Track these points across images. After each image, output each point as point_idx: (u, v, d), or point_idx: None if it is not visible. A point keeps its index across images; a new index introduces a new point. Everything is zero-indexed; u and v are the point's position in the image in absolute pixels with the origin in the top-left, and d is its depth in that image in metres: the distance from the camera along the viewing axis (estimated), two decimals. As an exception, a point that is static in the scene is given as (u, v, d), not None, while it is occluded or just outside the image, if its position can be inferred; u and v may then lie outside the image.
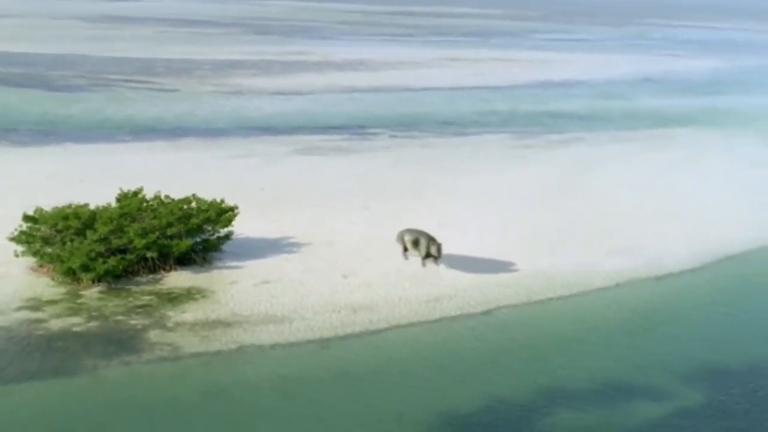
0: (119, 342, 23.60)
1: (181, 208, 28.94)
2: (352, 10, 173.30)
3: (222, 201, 30.21)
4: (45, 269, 27.80)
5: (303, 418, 20.49)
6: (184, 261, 28.71)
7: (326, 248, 31.36)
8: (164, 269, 28.16)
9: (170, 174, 39.41)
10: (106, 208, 29.08)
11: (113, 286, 27.09)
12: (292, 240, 31.98)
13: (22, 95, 62.70)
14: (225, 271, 28.71)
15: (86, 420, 20.10)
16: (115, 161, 43.54)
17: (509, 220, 35.53)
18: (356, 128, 55.21)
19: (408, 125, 57.18)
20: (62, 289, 26.72)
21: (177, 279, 27.93)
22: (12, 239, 27.82)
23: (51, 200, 30.89)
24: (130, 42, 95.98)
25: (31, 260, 28.26)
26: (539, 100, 70.61)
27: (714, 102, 73.39)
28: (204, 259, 29.18)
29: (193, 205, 29.62)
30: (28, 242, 27.77)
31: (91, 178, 39.25)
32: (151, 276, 27.94)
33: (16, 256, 27.92)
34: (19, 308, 25.34)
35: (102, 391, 21.33)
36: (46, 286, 26.94)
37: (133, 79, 70.41)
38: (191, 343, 23.65)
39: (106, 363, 22.49)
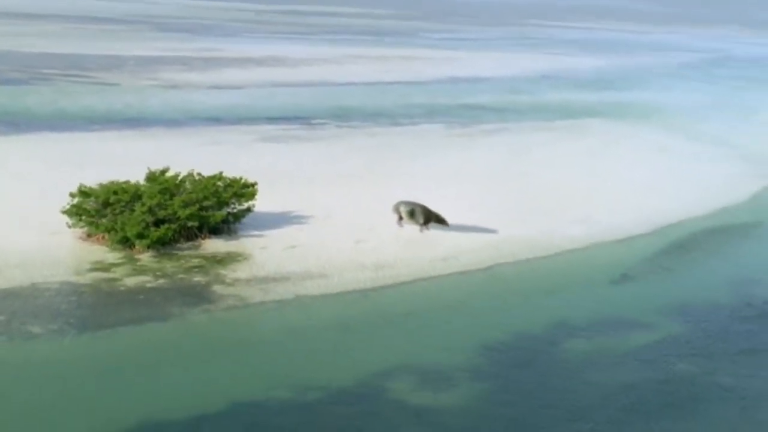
0: (192, 294, 27.41)
1: (213, 184, 32.72)
2: (241, 8, 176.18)
3: (241, 178, 34.06)
4: (95, 238, 31.17)
5: (365, 351, 24.66)
6: (215, 231, 32.52)
7: (328, 220, 35.51)
8: (201, 237, 31.94)
9: (155, 158, 41.33)
10: (140, 184, 32.64)
11: (161, 251, 30.75)
12: (294, 214, 35.95)
13: (-39, 89, 63.95)
14: (252, 239, 32.66)
15: (187, 356, 23.82)
16: (94, 148, 46.28)
17: (475, 196, 40.32)
18: (300, 119, 59.07)
19: (344, 117, 61.39)
20: (118, 254, 30.23)
21: (213, 246, 31.76)
22: (65, 212, 31.11)
23: (66, 182, 33.77)
24: (44, 38, 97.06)
25: (77, 231, 31.61)
26: (453, 95, 75.87)
27: (610, 96, 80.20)
28: (230, 229, 33.06)
29: (219, 183, 33.38)
30: (78, 215, 31.11)
31: (87, 163, 41.87)
32: (190, 243, 31.66)
33: (69, 227, 31.26)
34: (90, 270, 28.79)
35: (194, 333, 25.17)
36: (103, 252, 30.38)
37: (70, 73, 72.42)
38: (253, 295, 27.63)
39: (189, 310, 26.28)
